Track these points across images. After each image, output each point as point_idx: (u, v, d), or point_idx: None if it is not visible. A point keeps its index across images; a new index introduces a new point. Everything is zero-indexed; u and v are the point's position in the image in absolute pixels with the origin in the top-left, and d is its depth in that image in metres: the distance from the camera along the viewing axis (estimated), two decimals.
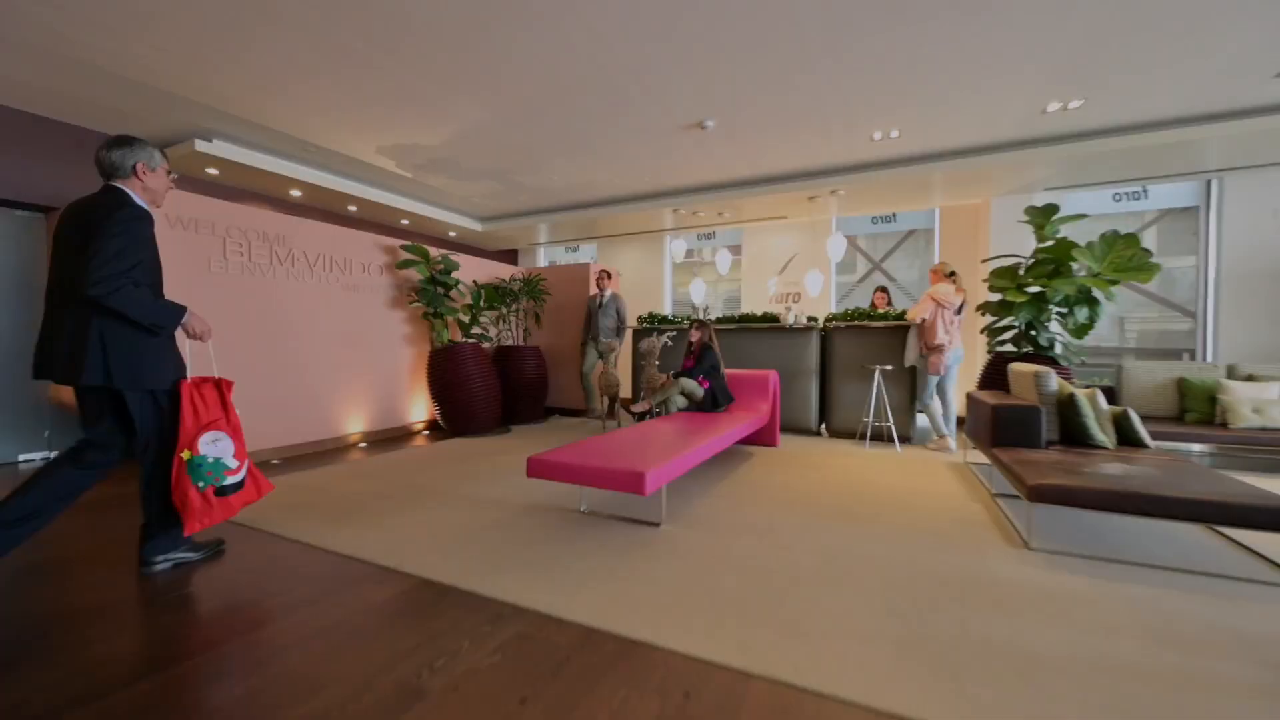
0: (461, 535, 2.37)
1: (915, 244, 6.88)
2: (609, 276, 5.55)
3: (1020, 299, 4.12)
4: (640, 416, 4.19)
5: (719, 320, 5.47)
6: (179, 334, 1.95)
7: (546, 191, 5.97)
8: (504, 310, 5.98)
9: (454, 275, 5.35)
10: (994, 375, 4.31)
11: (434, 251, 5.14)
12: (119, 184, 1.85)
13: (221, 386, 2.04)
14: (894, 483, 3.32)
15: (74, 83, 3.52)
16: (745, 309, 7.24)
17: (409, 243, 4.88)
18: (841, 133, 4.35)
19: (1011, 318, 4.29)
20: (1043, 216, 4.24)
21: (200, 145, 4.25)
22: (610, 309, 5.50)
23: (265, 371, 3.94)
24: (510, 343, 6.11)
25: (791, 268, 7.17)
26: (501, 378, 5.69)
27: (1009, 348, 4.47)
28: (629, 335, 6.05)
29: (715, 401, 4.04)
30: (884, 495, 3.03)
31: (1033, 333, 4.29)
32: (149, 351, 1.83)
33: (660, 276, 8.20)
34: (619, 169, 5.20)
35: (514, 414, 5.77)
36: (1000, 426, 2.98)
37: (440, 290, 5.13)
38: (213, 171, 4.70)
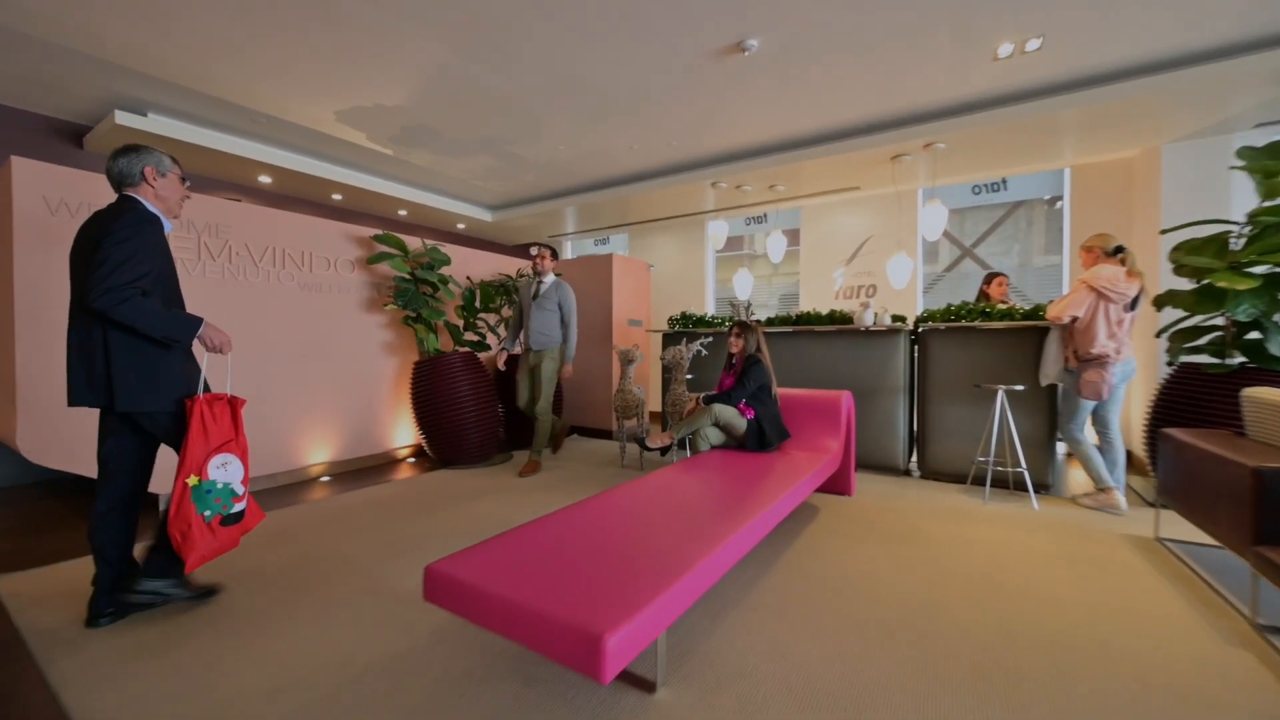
0: (308, 703, 1.41)
1: (1016, 223, 5.39)
2: (553, 255, 3.96)
3: (1242, 284, 2.73)
4: (665, 451, 3.14)
5: (770, 321, 4.31)
6: (195, 347, 1.84)
7: (554, 167, 5.02)
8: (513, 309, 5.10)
9: (444, 271, 4.52)
10: (1182, 400, 2.96)
11: (415, 242, 4.32)
12: (130, 192, 1.77)
13: (234, 404, 1.88)
14: (1055, 582, 2.08)
15: None
16: (804, 307, 6.00)
17: (381, 232, 4.08)
18: (950, 48, 3.10)
19: (1219, 313, 2.89)
20: (1274, 159, 2.82)
21: (124, 119, 3.60)
22: (549, 302, 3.86)
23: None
24: (518, 350, 5.24)
25: (865, 254, 5.86)
26: (505, 393, 4.82)
27: (1204, 358, 3.08)
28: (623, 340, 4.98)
29: (763, 438, 2.92)
30: (1052, 616, 1.82)
31: (1254, 335, 2.88)
32: (163, 368, 1.74)
33: (701, 269, 7.08)
34: (635, 128, 4.16)
35: (522, 435, 4.88)
36: (1275, 507, 1.71)
37: (427, 289, 4.30)
38: None
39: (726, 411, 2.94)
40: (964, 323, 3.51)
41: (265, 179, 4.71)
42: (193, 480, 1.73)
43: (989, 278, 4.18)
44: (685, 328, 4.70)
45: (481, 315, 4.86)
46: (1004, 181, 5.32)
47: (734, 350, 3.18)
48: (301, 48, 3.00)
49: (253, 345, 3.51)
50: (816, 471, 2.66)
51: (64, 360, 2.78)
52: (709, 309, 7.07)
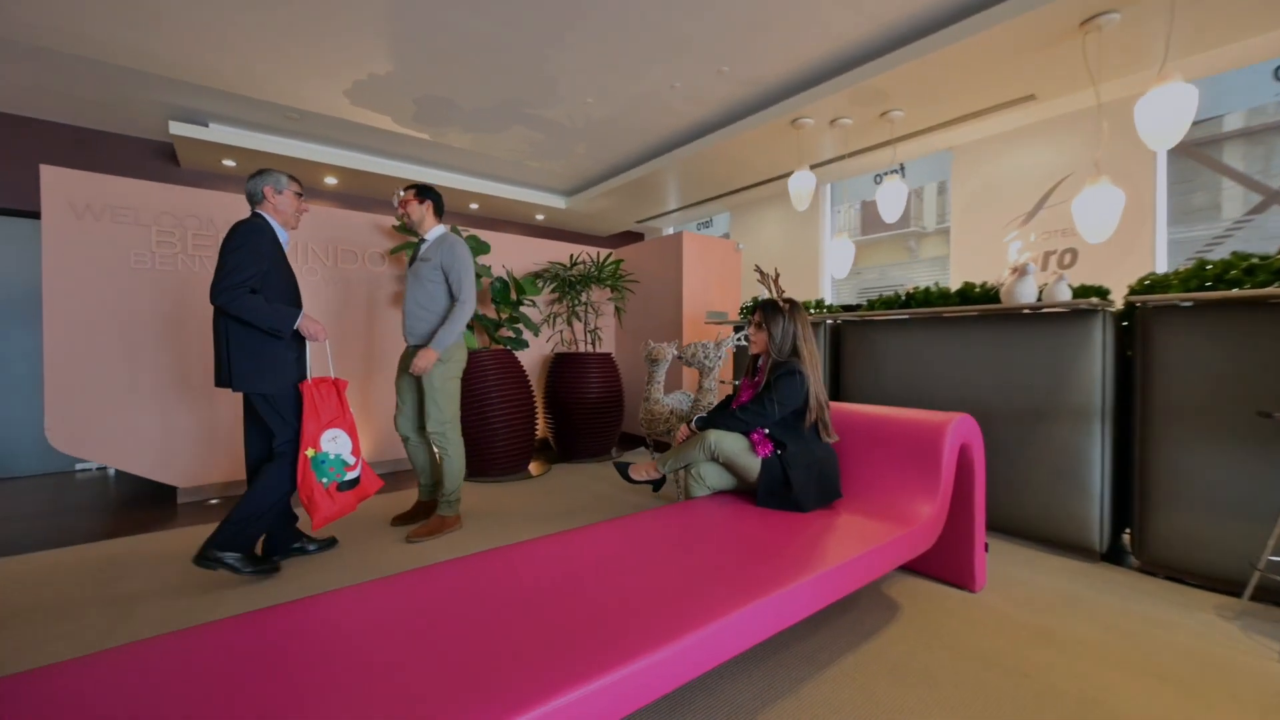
0: None
1: None
2: (422, 197, 2.53)
3: None
4: (657, 487, 2.23)
5: (869, 305, 3.01)
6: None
7: (600, 131, 4.32)
8: (570, 304, 4.57)
9: (480, 261, 4.15)
10: None
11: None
12: (256, 208, 2.10)
13: (338, 386, 2.14)
14: None
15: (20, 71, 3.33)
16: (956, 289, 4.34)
17: (400, 220, 3.82)
18: None
19: None
20: None
21: (179, 129, 3.88)
22: (430, 269, 2.46)
23: (213, 388, 3.25)
24: (572, 348, 4.67)
25: (1057, 204, 3.99)
26: (552, 397, 4.30)
27: None
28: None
29: (785, 491, 1.81)
30: None
31: None
32: (269, 357, 2.01)
33: (816, 248, 5.73)
34: (661, 55, 3.23)
35: (571, 446, 4.31)
36: None
37: None
38: (230, 163, 4.41)
39: (727, 442, 1.89)
40: (1238, 292, 1.87)
41: (331, 180, 4.89)
42: (310, 452, 1.99)
43: None
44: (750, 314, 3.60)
45: (527, 310, 4.40)
46: None
47: (755, 349, 2.10)
48: (259, 24, 2.81)
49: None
50: (875, 552, 1.50)
51: (90, 355, 3.00)
52: (827, 296, 5.68)
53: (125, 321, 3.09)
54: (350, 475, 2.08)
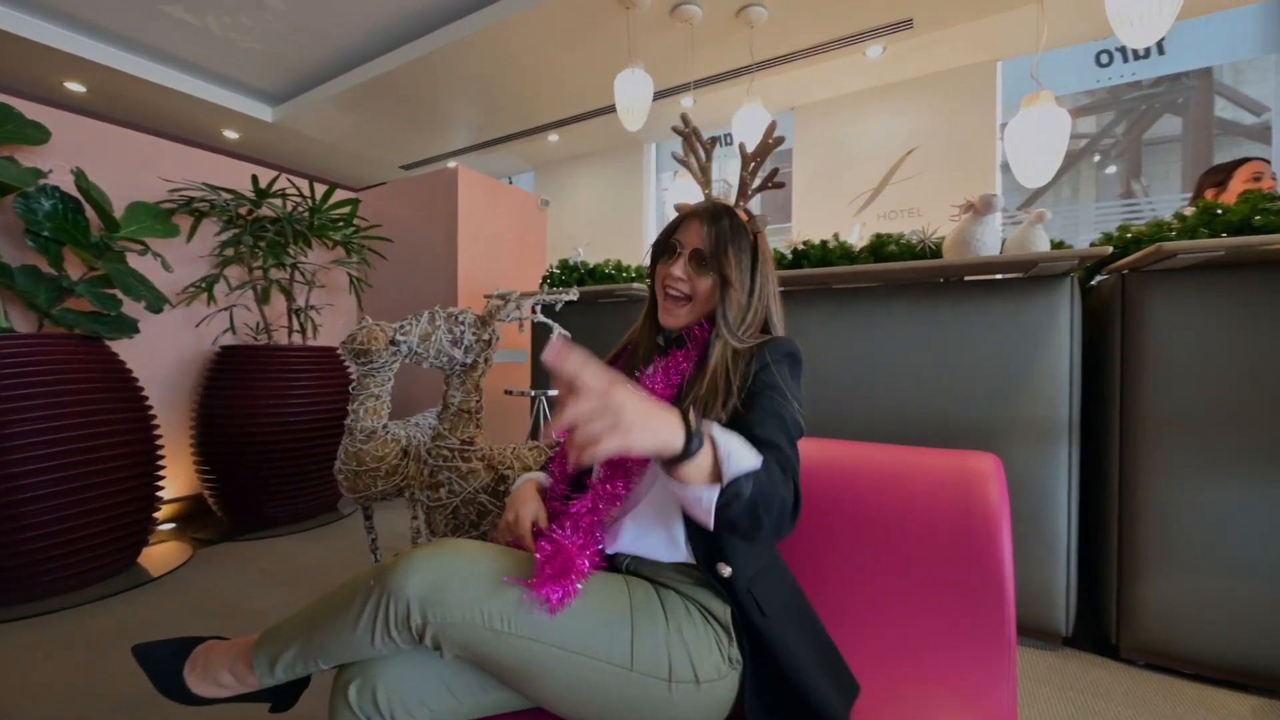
0: None
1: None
2: None
3: None
4: (281, 702, 0.77)
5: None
6: None
7: None
8: (262, 265, 2.76)
9: (17, 156, 2.15)
10: None
11: None
12: None
13: None
14: None
15: None
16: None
17: None
18: None
19: None
20: None
21: None
22: None
23: None
24: (260, 339, 2.86)
25: (906, 178, 3.66)
26: (211, 424, 2.52)
27: None
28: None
29: None
30: None
31: None
32: None
33: (639, 211, 4.86)
34: None
35: (252, 506, 2.58)
36: None
37: None
38: None
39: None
40: None
41: None
42: None
43: (1221, 171, 2.01)
44: (561, 285, 2.40)
45: (139, 262, 2.47)
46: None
47: (670, 320, 0.81)
48: None
49: None
50: None
51: None
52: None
53: None
54: None
